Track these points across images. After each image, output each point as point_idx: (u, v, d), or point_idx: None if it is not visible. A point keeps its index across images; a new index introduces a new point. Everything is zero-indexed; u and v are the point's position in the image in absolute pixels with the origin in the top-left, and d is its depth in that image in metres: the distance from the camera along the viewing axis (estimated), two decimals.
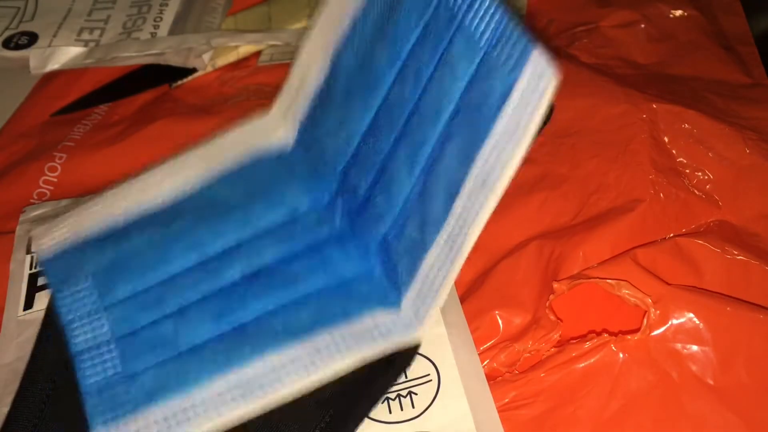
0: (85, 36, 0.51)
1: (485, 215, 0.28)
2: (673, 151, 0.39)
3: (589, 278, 0.32)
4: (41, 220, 0.40)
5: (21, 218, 0.40)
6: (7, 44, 0.51)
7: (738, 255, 0.33)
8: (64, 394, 0.31)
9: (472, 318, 0.33)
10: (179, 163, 0.38)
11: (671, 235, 0.35)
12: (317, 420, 0.30)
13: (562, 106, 0.42)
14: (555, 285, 0.32)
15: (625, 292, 0.31)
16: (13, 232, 0.39)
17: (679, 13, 0.48)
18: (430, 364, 0.31)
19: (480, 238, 0.36)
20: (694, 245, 0.34)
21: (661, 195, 0.36)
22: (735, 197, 0.37)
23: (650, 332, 0.30)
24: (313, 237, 0.35)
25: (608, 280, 0.31)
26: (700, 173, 0.38)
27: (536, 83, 0.27)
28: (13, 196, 0.42)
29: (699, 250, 0.33)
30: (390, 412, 0.30)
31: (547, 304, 0.32)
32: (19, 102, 0.49)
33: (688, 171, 0.38)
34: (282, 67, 0.50)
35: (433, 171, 0.30)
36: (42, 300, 0.36)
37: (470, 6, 0.29)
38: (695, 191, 0.37)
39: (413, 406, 0.30)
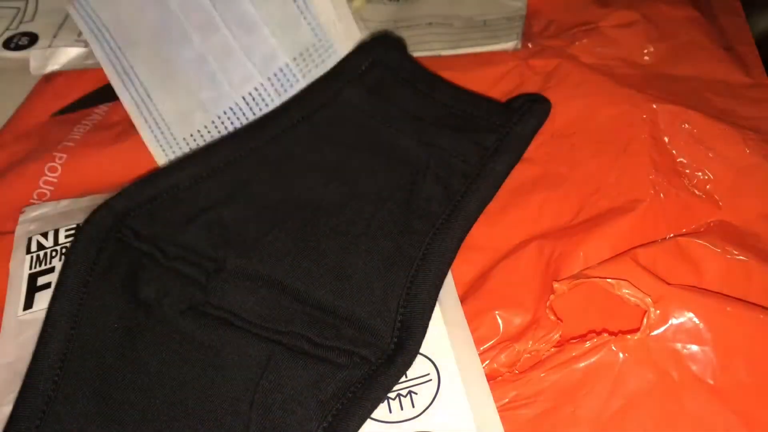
0: None
1: None
2: (673, 151, 0.39)
3: (590, 278, 0.32)
4: (41, 220, 0.40)
5: (21, 218, 0.40)
6: (8, 45, 0.51)
7: (738, 255, 0.33)
8: (67, 394, 0.31)
9: (472, 318, 0.33)
10: None
11: (671, 235, 0.35)
12: (319, 419, 0.30)
13: (562, 106, 0.42)
14: (555, 285, 0.32)
15: (626, 291, 0.31)
16: (13, 232, 0.39)
17: (679, 13, 0.48)
18: (431, 363, 0.31)
19: (480, 238, 0.36)
20: (695, 245, 0.34)
21: (661, 195, 0.36)
22: (735, 197, 0.37)
23: (650, 332, 0.30)
24: None
25: (608, 280, 0.31)
26: (700, 173, 0.38)
27: None
28: (13, 196, 0.42)
29: (699, 249, 0.33)
30: (390, 412, 0.30)
31: (547, 304, 0.32)
32: (20, 102, 0.49)
33: (688, 171, 0.38)
34: None
35: None
36: (42, 300, 0.36)
37: None
38: (695, 191, 0.37)
39: (413, 406, 0.30)
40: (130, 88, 0.44)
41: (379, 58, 0.43)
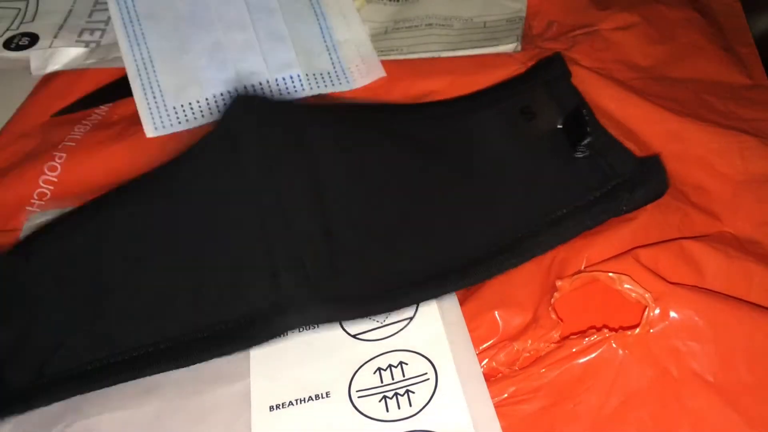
0: (86, 37, 0.51)
1: None
2: (672, 170, 0.39)
3: (591, 271, 0.32)
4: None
5: (25, 225, 0.40)
6: (8, 45, 0.51)
7: (740, 257, 0.33)
8: None
9: (471, 317, 0.33)
10: None
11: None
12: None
13: None
14: (558, 283, 0.32)
15: (626, 287, 0.31)
16: (14, 231, 0.40)
17: (678, 14, 0.48)
18: (428, 362, 0.31)
19: None
20: (697, 246, 0.33)
21: (663, 206, 0.36)
22: (735, 210, 0.37)
23: (650, 328, 0.30)
24: None
25: (610, 274, 0.31)
26: (699, 190, 0.38)
27: None
28: (13, 196, 0.42)
29: (701, 251, 0.33)
30: (387, 411, 0.30)
31: (552, 301, 0.32)
32: (20, 102, 0.49)
33: (686, 188, 0.38)
34: None
35: None
36: None
37: None
38: (696, 206, 0.37)
39: (410, 405, 0.30)
40: (135, 52, 0.47)
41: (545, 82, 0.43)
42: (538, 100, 0.41)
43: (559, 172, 0.37)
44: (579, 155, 0.37)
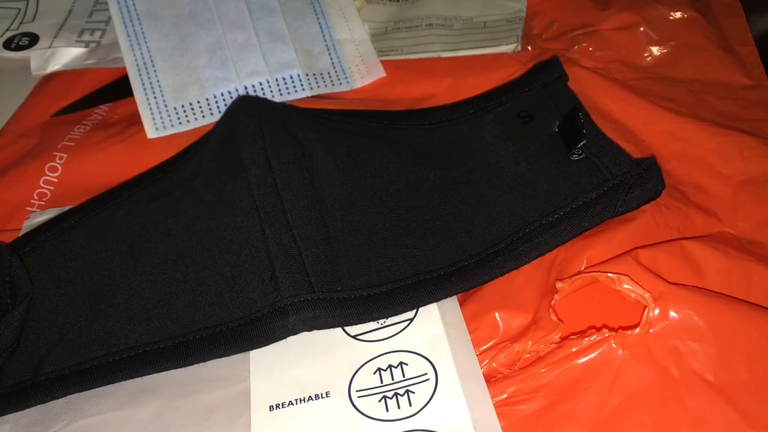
0: (86, 37, 0.51)
1: None
2: (672, 170, 0.39)
3: (591, 272, 0.32)
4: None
5: (25, 224, 0.40)
6: (8, 45, 0.51)
7: (740, 257, 0.33)
8: None
9: (472, 319, 0.33)
10: None
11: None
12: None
13: None
14: (559, 284, 0.32)
15: (626, 287, 0.31)
16: (15, 230, 0.40)
17: (678, 15, 0.48)
18: (428, 363, 0.31)
19: None
20: (696, 247, 0.33)
21: (663, 206, 0.36)
22: (735, 210, 0.37)
23: (650, 328, 0.30)
24: None
25: (609, 275, 0.31)
26: (699, 190, 0.38)
27: None
28: (13, 196, 0.42)
29: (701, 251, 0.33)
30: (387, 411, 0.30)
31: (552, 303, 0.32)
32: (20, 102, 0.49)
33: (686, 188, 0.38)
34: None
35: None
36: None
37: None
38: (696, 206, 0.37)
39: (410, 404, 0.30)
40: (135, 51, 0.47)
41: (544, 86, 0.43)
42: (535, 104, 0.41)
43: (556, 174, 0.37)
44: (575, 157, 0.37)
